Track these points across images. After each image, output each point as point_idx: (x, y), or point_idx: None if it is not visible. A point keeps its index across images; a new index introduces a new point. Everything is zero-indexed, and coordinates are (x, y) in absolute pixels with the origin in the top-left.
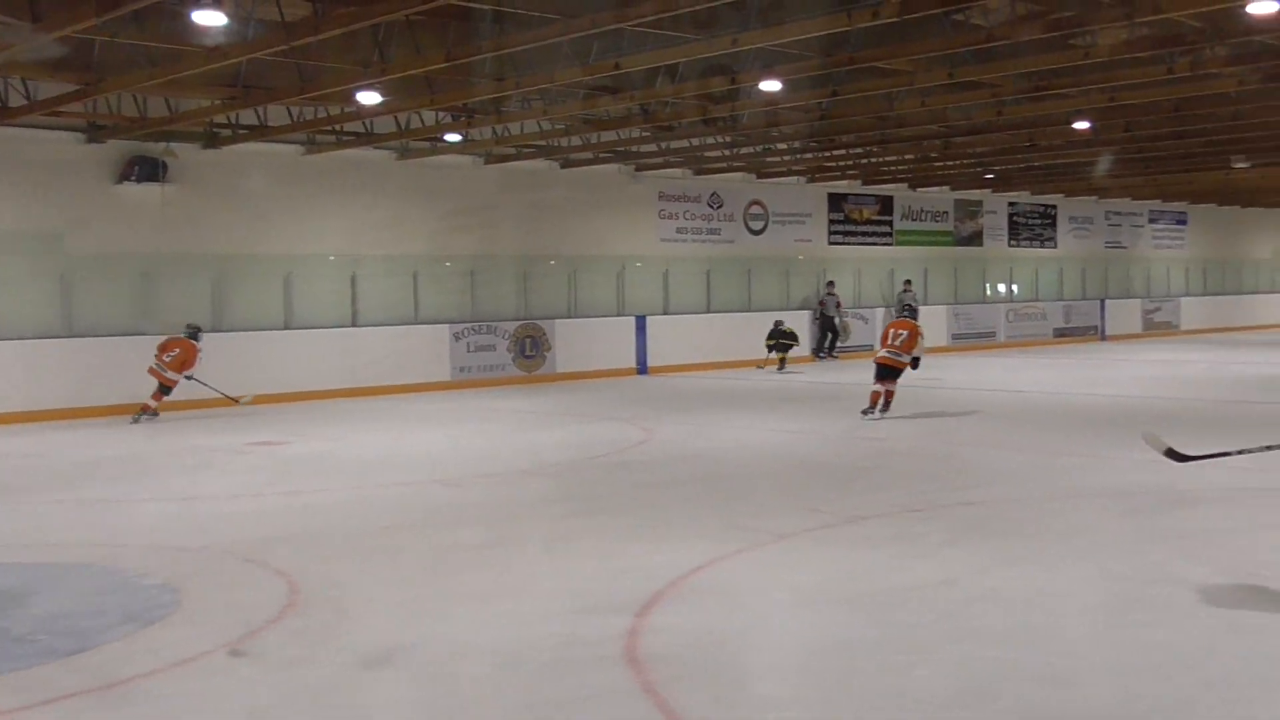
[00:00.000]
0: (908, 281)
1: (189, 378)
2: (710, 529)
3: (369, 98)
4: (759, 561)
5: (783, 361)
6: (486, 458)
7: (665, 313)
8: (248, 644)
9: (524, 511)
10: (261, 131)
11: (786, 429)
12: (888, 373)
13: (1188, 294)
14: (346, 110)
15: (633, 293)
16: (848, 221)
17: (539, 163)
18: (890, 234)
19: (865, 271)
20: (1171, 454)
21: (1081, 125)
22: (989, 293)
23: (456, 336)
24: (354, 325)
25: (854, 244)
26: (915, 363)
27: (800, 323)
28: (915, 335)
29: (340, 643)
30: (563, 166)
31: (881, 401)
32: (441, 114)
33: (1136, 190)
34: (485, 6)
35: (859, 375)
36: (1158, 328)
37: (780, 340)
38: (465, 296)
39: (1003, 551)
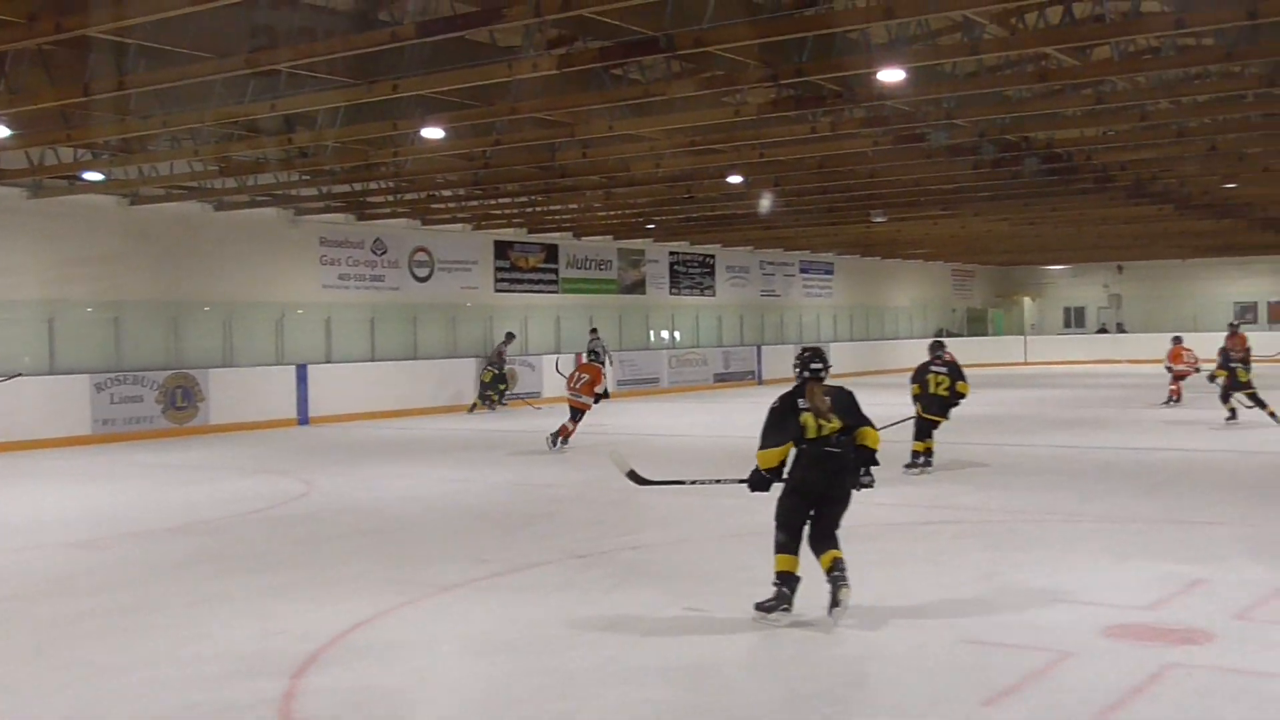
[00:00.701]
0: (594, 330)
1: None
2: (372, 584)
3: None
4: (422, 615)
5: (475, 406)
6: (129, 516)
7: (328, 361)
8: None
9: (169, 572)
10: None
11: (453, 478)
12: (573, 412)
13: (836, 339)
14: None
15: (293, 341)
16: (514, 269)
17: (190, 205)
18: (556, 282)
19: (532, 319)
20: (633, 476)
21: (735, 179)
22: (652, 340)
23: (98, 387)
24: None
25: (520, 291)
26: (599, 399)
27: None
28: (597, 379)
29: None
30: (216, 209)
31: (562, 436)
32: (81, 151)
33: (788, 241)
34: (130, 40)
35: (527, 423)
36: None
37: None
38: (109, 345)
39: (666, 594)
